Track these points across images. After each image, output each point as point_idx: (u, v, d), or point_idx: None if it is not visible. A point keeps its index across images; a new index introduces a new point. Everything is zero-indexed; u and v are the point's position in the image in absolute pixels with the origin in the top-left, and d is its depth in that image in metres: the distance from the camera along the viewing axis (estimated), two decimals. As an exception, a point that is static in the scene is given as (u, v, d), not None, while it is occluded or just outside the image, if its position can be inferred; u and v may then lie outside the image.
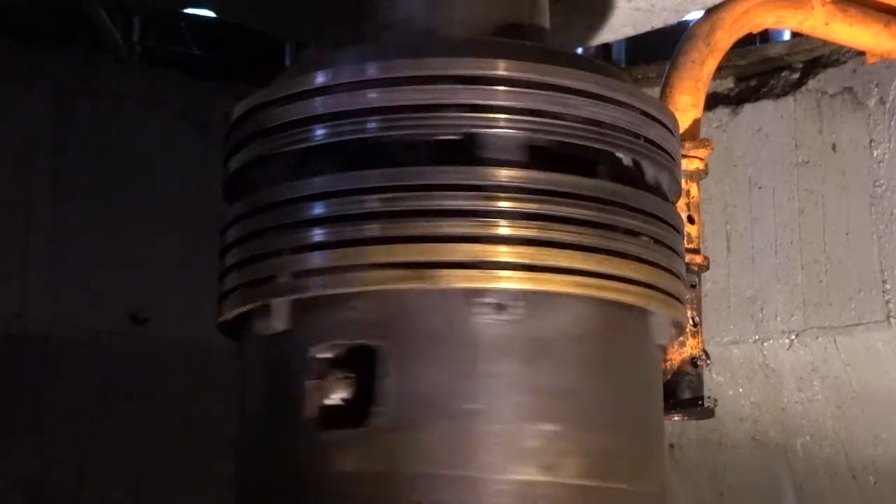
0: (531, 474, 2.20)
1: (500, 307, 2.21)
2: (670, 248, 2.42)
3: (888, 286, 3.51)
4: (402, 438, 2.18)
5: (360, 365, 2.22)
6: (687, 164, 2.82)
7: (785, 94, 3.81)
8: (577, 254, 2.25)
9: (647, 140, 2.43)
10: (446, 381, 2.20)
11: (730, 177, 3.84)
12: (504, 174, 2.25)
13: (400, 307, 2.22)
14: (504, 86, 2.28)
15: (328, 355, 2.25)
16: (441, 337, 2.21)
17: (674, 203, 2.57)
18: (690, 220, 2.83)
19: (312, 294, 2.25)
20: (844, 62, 3.70)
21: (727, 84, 3.95)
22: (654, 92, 2.92)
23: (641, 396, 2.42)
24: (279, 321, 2.29)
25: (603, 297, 2.28)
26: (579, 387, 2.27)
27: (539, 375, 2.24)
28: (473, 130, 2.27)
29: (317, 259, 2.25)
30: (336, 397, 2.24)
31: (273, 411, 2.33)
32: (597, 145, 2.34)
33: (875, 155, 3.57)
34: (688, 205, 2.84)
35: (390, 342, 2.20)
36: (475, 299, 2.20)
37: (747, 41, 3.57)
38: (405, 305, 2.21)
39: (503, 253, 2.21)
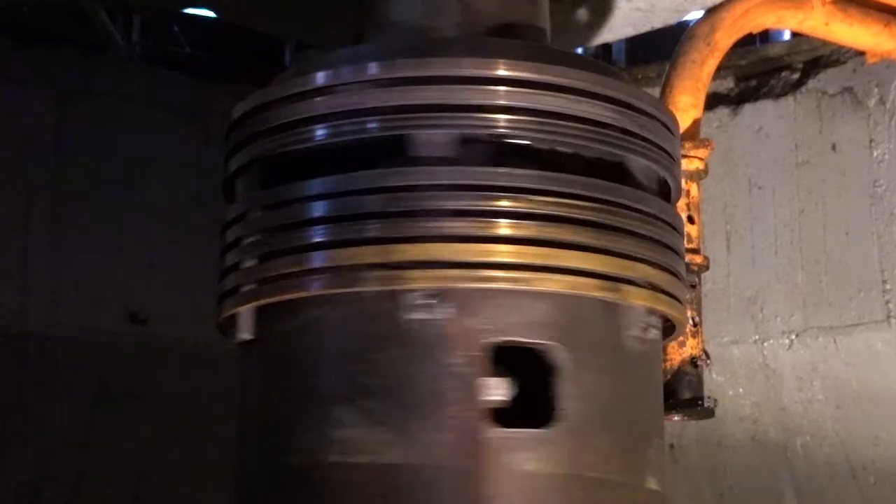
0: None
1: None
2: (670, 248, 2.43)
3: (888, 286, 3.51)
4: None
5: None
6: (687, 164, 2.82)
7: (785, 94, 3.81)
8: (577, 254, 2.25)
9: (648, 140, 2.43)
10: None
11: (730, 177, 3.84)
12: (504, 174, 2.25)
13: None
14: (504, 86, 2.28)
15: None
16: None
17: (674, 203, 2.57)
18: (690, 220, 2.83)
19: (313, 293, 2.25)
20: (844, 62, 3.70)
21: (727, 84, 3.95)
22: (655, 92, 2.91)
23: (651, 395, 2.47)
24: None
25: (604, 297, 2.29)
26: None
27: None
28: (473, 131, 2.27)
29: (317, 259, 2.25)
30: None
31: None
32: (597, 145, 2.34)
33: (875, 155, 3.57)
34: (688, 205, 2.84)
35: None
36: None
37: (747, 41, 3.56)
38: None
39: (503, 253, 2.21)
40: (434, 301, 2.21)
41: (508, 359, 2.23)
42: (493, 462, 2.19)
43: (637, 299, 2.33)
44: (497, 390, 2.20)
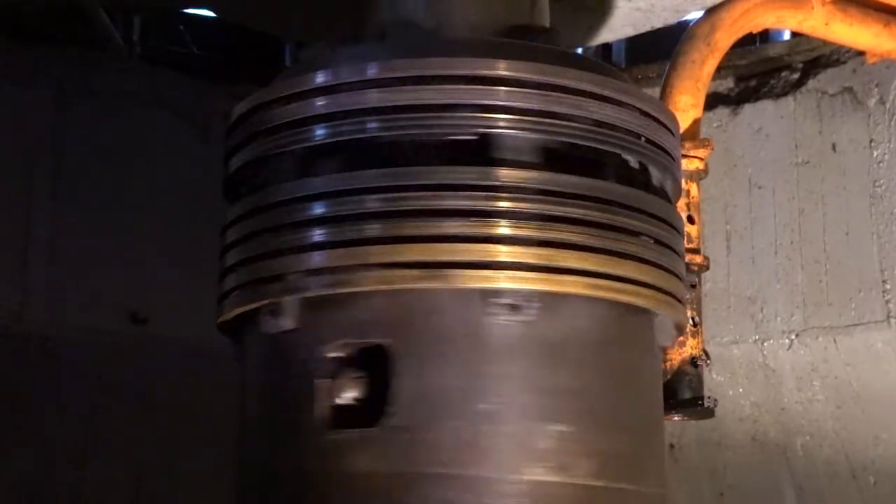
0: (542, 475, 2.20)
1: (513, 307, 2.21)
2: (671, 248, 2.42)
3: (888, 286, 3.51)
4: (416, 438, 2.17)
5: (373, 365, 2.21)
6: (687, 164, 2.82)
7: (785, 94, 3.82)
8: (578, 254, 2.25)
9: (648, 140, 2.42)
10: (459, 382, 2.19)
11: (730, 177, 3.84)
12: (505, 174, 2.24)
13: (410, 307, 2.21)
14: (504, 86, 2.28)
15: (339, 354, 2.23)
16: (453, 337, 2.21)
17: (674, 203, 2.57)
18: (690, 220, 2.83)
19: (314, 294, 2.25)
20: (844, 62, 3.70)
21: (727, 84, 3.95)
22: (654, 92, 2.92)
23: (647, 396, 2.43)
24: (288, 319, 2.28)
25: (604, 297, 2.28)
26: (590, 387, 2.28)
27: (550, 376, 2.24)
28: (474, 131, 2.27)
29: (317, 259, 2.25)
30: (348, 396, 2.22)
31: (279, 410, 2.31)
32: (597, 145, 2.33)
33: (875, 155, 3.58)
34: (688, 205, 2.84)
35: (402, 342, 2.19)
36: (489, 299, 2.20)
37: (747, 41, 3.57)
38: (416, 305, 2.21)
39: (503, 253, 2.21)
40: None
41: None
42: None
43: (636, 298, 2.33)
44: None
